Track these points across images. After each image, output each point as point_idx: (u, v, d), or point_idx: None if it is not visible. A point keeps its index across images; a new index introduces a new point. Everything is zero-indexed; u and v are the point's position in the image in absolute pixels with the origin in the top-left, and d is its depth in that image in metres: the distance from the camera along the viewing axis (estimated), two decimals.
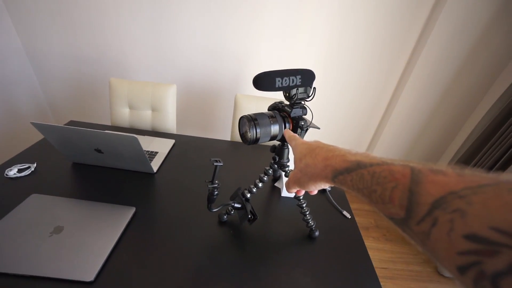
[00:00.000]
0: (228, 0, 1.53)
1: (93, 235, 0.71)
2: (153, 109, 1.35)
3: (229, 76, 1.79)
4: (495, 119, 1.52)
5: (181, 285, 0.64)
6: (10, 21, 1.67)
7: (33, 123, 0.81)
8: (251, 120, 0.60)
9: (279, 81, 0.58)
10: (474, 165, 1.63)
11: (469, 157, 1.68)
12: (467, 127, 1.85)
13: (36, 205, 0.78)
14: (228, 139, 1.41)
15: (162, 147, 1.12)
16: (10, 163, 0.95)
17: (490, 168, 1.53)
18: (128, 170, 0.98)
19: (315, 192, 0.44)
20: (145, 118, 1.36)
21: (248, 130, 0.60)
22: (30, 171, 0.92)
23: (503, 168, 1.47)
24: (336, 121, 1.96)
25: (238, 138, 1.38)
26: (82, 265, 0.63)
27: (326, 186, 0.39)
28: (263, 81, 0.57)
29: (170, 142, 1.17)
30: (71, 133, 0.82)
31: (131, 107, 1.35)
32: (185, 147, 1.18)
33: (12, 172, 0.90)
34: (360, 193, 0.30)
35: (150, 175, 0.98)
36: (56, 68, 1.86)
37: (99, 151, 0.88)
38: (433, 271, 1.66)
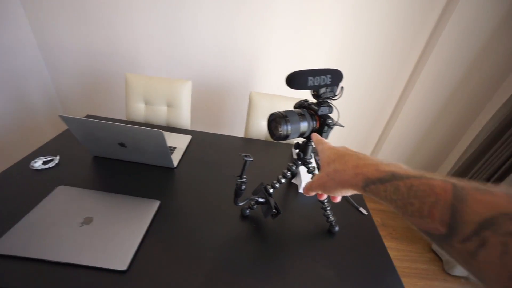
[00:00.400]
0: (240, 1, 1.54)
1: (122, 226, 0.73)
2: (169, 105, 1.37)
3: (240, 73, 1.80)
4: (501, 124, 1.54)
5: (209, 276, 0.66)
6: (24, 14, 1.68)
7: (61, 116, 0.83)
8: (282, 117, 0.62)
9: (311, 80, 0.60)
10: (479, 169, 1.65)
11: (473, 161, 1.70)
12: (472, 130, 1.87)
13: (64, 196, 0.80)
14: (242, 135, 1.43)
15: (179, 142, 1.14)
16: (34, 155, 0.97)
17: (494, 173, 1.55)
18: (148, 164, 1.00)
19: (339, 199, 0.43)
20: (160, 114, 1.38)
21: (279, 127, 0.62)
22: (54, 163, 0.94)
23: (508, 172, 1.50)
24: (343, 120, 1.97)
25: (252, 135, 1.40)
26: (114, 254, 0.66)
27: (353, 193, 0.38)
28: (297, 80, 0.59)
29: (187, 138, 1.19)
30: (98, 127, 0.84)
31: (146, 102, 1.37)
32: (202, 143, 1.20)
33: (37, 164, 0.92)
34: (393, 204, 0.29)
35: (170, 169, 1.00)
36: (68, 62, 1.87)
37: (122, 145, 0.90)
38: (439, 269, 1.70)
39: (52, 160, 0.95)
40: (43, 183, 0.86)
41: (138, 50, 1.77)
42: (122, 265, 0.63)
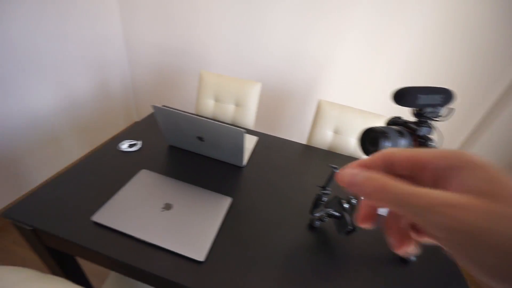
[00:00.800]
0: (317, 4, 1.52)
1: (199, 217, 0.76)
2: (237, 104, 1.41)
3: (306, 80, 1.78)
4: None
5: (279, 282, 0.66)
6: (118, 10, 1.88)
7: (153, 106, 0.90)
8: (382, 132, 0.59)
9: (421, 98, 0.56)
10: None
11: None
12: None
13: (146, 180, 0.87)
14: (299, 141, 1.40)
15: (247, 142, 1.16)
16: (120, 138, 1.07)
17: None
18: (219, 160, 1.03)
19: (430, 241, 0.21)
20: (227, 112, 1.43)
21: (378, 143, 0.59)
22: (137, 148, 1.03)
23: None
24: None
25: (315, 143, 1.36)
26: (192, 244, 0.69)
27: None
28: (407, 97, 0.55)
29: (254, 139, 1.20)
30: (183, 119, 0.89)
31: (216, 99, 1.42)
32: (267, 145, 1.21)
33: (124, 146, 1.01)
34: None
35: (239, 167, 1.02)
36: (145, 56, 2.04)
37: (200, 138, 0.95)
38: None
39: (135, 144, 1.04)
40: (128, 165, 0.94)
41: (210, 49, 1.86)
42: (200, 256, 0.66)
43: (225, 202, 0.83)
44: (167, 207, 0.77)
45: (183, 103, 2.13)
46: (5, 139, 1.36)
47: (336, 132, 1.33)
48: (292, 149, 1.24)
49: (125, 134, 1.11)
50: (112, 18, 1.85)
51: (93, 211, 0.74)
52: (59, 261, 0.83)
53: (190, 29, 1.83)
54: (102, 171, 0.90)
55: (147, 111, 2.34)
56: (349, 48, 1.62)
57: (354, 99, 1.76)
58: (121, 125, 2.23)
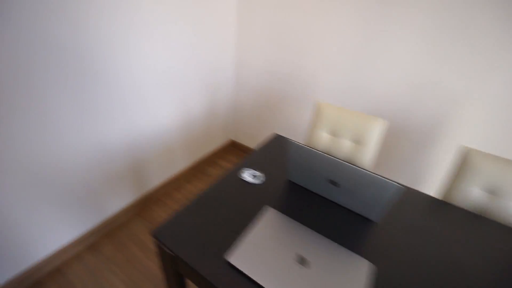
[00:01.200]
0: (458, 28, 1.28)
1: (338, 283, 0.65)
2: (355, 141, 1.28)
3: (431, 116, 1.52)
4: None
5: None
6: (235, 38, 2.02)
7: (289, 141, 0.85)
8: None
9: None
10: None
11: None
12: None
13: (273, 221, 0.81)
14: (419, 189, 1.16)
15: None
16: (241, 165, 1.06)
17: None
18: (347, 208, 0.91)
19: None
20: (342, 147, 1.31)
21: None
22: (261, 181, 0.99)
23: None
24: None
25: (455, 200, 1.10)
26: None
27: None
28: None
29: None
30: (319, 159, 0.81)
31: (332, 133, 1.32)
32: (398, 197, 1.02)
33: (245, 175, 1.00)
34: None
35: (369, 221, 0.87)
36: (251, 79, 2.12)
37: (334, 183, 0.85)
38: None
39: (257, 176, 1.01)
40: (252, 197, 0.91)
41: (319, 77, 1.80)
42: None
43: (363, 266, 0.69)
44: (302, 261, 0.69)
45: (284, 129, 2.11)
46: (138, 146, 1.56)
47: (490, 191, 1.05)
48: (426, 205, 1.02)
49: (245, 162, 1.11)
50: (229, 45, 1.99)
51: (225, 245, 0.71)
52: (176, 280, 0.84)
53: (301, 56, 1.81)
54: (229, 201, 0.89)
55: (245, 131, 2.41)
56: (501, 82, 1.30)
57: (500, 146, 1.40)
58: (218, 142, 2.35)
